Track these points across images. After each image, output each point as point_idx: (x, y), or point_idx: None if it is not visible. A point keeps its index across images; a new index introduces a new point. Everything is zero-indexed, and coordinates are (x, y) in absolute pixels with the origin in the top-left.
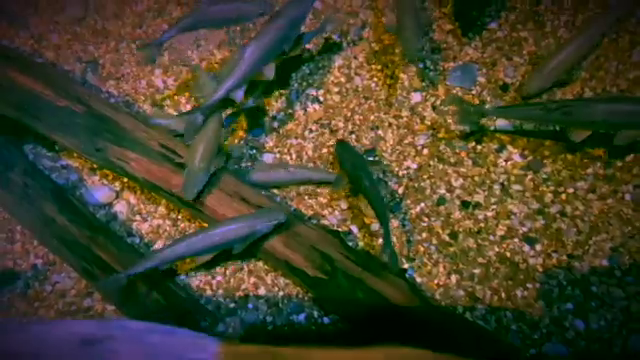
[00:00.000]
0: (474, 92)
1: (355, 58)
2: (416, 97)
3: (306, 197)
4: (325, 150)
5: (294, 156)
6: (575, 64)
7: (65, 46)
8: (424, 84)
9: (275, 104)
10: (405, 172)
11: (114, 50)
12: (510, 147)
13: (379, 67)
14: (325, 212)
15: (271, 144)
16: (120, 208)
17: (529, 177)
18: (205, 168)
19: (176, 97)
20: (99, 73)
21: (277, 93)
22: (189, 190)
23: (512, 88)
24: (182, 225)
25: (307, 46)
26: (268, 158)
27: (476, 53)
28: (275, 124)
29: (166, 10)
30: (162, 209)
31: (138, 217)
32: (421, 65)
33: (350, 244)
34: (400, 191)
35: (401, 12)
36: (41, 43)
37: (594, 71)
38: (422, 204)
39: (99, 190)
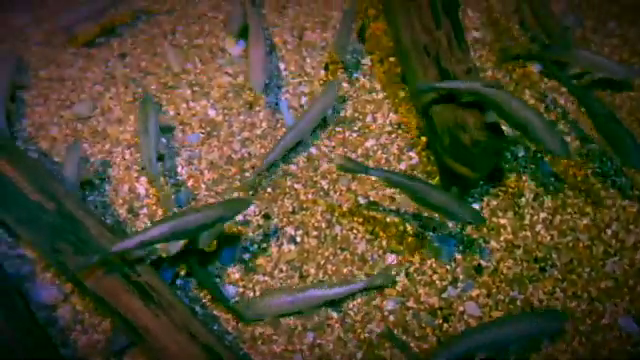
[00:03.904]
0: (448, 267)
1: (340, 206)
2: (391, 259)
3: (259, 342)
4: None
5: (257, 293)
6: None
7: (61, 140)
8: (401, 247)
9: (251, 235)
10: (367, 335)
11: (107, 152)
12: None
13: (360, 220)
14: None
15: (237, 276)
16: (63, 313)
17: None
18: None
19: (154, 207)
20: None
21: (256, 225)
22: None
23: (485, 272)
24: None
25: (294, 185)
26: (231, 290)
27: (455, 229)
28: (246, 256)
29: None
30: (107, 324)
31: (79, 327)
32: None
33: None
34: (359, 356)
35: None
36: (39, 132)
37: (566, 273)
38: None
39: (46, 289)
